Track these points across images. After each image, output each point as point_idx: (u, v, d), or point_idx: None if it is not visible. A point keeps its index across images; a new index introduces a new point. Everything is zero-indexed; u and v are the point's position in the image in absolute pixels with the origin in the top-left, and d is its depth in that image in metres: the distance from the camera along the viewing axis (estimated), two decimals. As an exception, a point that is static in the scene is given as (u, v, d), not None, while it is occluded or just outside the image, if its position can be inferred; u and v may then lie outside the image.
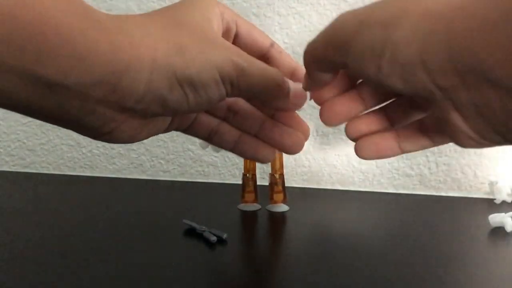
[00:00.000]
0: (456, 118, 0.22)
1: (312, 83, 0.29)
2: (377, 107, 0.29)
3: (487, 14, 0.18)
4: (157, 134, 0.28)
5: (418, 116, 0.29)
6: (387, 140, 0.29)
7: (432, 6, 0.21)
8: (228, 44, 0.26)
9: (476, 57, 0.19)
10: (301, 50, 0.64)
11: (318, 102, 0.30)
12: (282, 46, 0.65)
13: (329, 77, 0.28)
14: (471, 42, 0.19)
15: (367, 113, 0.30)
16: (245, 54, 0.26)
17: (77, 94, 0.21)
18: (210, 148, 0.52)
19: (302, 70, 0.30)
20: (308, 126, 0.32)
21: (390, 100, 0.29)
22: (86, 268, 0.38)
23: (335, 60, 0.25)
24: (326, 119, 0.29)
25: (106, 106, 0.23)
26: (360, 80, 0.29)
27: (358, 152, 0.29)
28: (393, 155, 0.29)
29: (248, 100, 0.31)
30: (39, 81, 0.20)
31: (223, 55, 0.25)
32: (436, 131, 0.27)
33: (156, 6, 0.65)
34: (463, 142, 0.23)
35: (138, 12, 0.65)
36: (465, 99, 0.20)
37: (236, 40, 0.30)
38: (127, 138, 0.26)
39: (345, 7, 0.63)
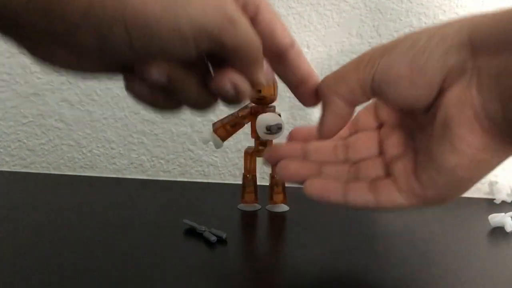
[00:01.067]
0: (474, 96, 0.24)
1: (330, 118, 0.29)
2: None
3: None
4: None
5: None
6: (335, 185, 0.30)
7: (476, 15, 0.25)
8: None
9: None
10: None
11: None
12: (282, 46, 0.65)
13: (349, 112, 0.28)
14: None
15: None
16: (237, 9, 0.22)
17: (7, 18, 0.19)
18: (211, 143, 0.52)
19: (317, 76, 0.29)
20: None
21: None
22: (85, 267, 0.38)
23: (367, 73, 0.26)
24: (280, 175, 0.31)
25: (38, 34, 0.20)
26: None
27: (305, 189, 0.30)
28: (334, 201, 0.30)
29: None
30: None
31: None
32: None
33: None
34: (466, 135, 0.24)
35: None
36: (493, 70, 0.23)
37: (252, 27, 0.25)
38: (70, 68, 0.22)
39: (345, 7, 0.63)
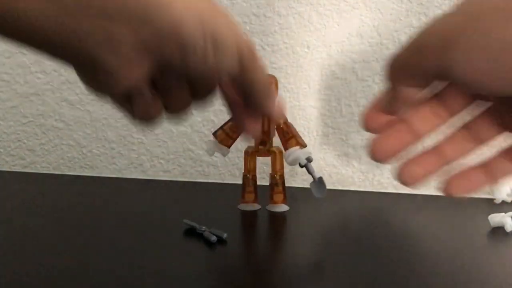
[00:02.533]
0: None
1: (399, 103, 0.26)
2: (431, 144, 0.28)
3: None
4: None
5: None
6: (477, 174, 0.28)
7: None
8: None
9: None
10: (301, 50, 0.64)
11: (371, 129, 0.28)
12: (282, 46, 0.65)
13: (417, 93, 0.25)
14: None
15: (422, 153, 0.28)
16: None
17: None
18: (216, 154, 0.52)
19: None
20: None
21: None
22: (85, 268, 0.38)
23: (433, 65, 0.23)
24: (374, 156, 0.27)
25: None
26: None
27: (449, 190, 0.28)
28: (485, 187, 0.28)
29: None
30: None
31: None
32: None
33: (156, 6, 0.65)
34: None
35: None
36: None
37: None
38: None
39: (345, 7, 0.63)
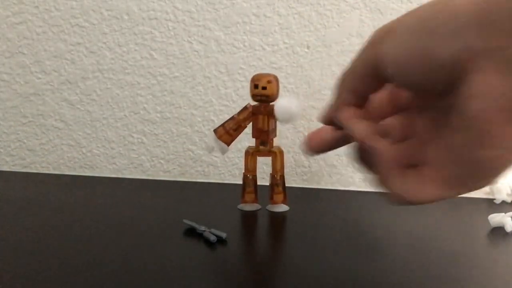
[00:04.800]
0: (498, 86, 0.21)
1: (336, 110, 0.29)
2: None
3: None
4: None
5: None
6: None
7: None
8: None
9: None
10: (301, 50, 0.64)
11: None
12: (282, 46, 0.65)
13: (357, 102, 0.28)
14: None
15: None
16: None
17: None
18: (215, 151, 0.53)
19: None
20: None
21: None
22: (85, 268, 0.38)
23: (370, 56, 0.26)
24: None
25: None
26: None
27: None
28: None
29: None
30: None
31: None
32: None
33: (156, 6, 0.65)
34: (488, 111, 0.21)
35: (138, 12, 0.65)
36: (508, 55, 0.20)
37: None
38: None
39: (345, 7, 0.63)
